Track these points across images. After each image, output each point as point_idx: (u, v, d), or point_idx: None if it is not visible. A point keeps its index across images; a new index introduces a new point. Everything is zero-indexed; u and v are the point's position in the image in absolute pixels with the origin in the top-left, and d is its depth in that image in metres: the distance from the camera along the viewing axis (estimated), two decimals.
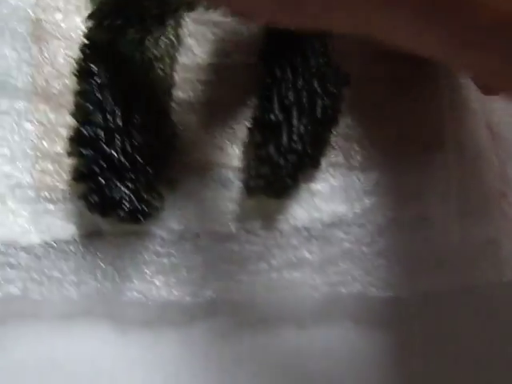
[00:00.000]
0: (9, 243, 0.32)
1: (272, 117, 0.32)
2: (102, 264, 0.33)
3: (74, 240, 0.33)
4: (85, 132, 0.31)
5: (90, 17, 0.31)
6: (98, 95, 0.32)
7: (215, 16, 0.35)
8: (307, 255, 0.33)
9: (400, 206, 0.34)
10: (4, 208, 0.33)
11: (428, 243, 0.34)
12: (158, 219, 0.33)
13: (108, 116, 0.32)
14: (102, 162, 0.31)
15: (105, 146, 0.31)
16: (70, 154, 0.32)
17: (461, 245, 0.34)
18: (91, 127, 0.31)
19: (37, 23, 0.34)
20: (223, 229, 0.33)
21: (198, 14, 0.35)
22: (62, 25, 0.34)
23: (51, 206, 0.33)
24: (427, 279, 0.34)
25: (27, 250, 0.32)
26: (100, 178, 0.31)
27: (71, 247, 0.33)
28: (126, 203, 0.31)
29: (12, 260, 0.32)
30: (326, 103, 0.32)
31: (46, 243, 0.33)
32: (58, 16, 0.34)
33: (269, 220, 0.33)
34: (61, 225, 0.33)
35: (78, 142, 0.32)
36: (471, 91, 0.35)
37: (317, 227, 0.33)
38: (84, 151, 0.31)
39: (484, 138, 0.35)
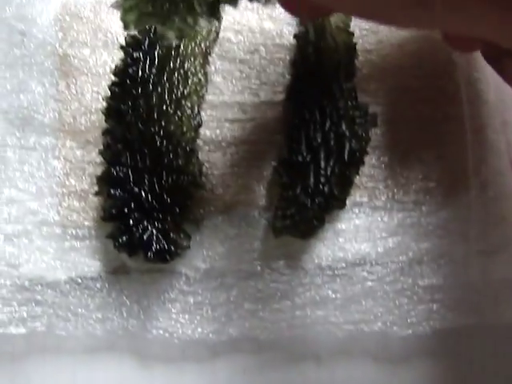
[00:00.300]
0: (35, 280, 0.32)
1: (299, 158, 0.33)
2: (127, 301, 0.33)
3: (100, 277, 0.33)
4: (114, 172, 0.31)
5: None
6: (127, 134, 0.32)
7: (242, 53, 0.35)
8: (331, 294, 0.34)
9: (422, 245, 0.34)
10: (30, 245, 0.33)
11: (449, 281, 0.34)
12: (183, 257, 0.33)
13: (137, 155, 0.32)
14: (130, 203, 0.31)
15: (133, 187, 0.31)
16: (98, 194, 0.32)
17: (481, 283, 0.35)
18: (120, 167, 0.31)
19: (64, 58, 0.34)
20: (248, 267, 0.33)
21: (225, 51, 0.35)
22: (90, 60, 0.34)
23: (77, 243, 0.33)
24: (447, 317, 0.34)
25: (53, 286, 0.33)
26: (129, 219, 0.31)
27: (97, 284, 0.33)
28: (154, 243, 0.31)
29: (38, 296, 0.32)
30: (354, 146, 0.33)
31: (72, 280, 0.33)
32: (86, 51, 0.34)
33: (293, 259, 0.34)
34: (87, 262, 0.33)
35: (106, 181, 0.32)
36: (495, 131, 0.36)
37: (340, 266, 0.34)
38: (113, 191, 0.31)
39: (508, 177, 0.36)
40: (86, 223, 0.33)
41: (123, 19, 0.26)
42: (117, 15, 0.34)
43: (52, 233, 0.33)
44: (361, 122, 0.33)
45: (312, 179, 0.32)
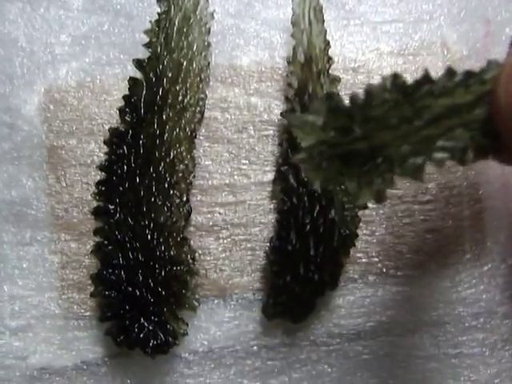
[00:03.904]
0: (43, 369, 0.34)
1: (289, 247, 0.33)
2: None
3: (104, 362, 0.34)
4: (106, 274, 0.32)
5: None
6: (117, 233, 0.32)
7: (229, 133, 0.35)
8: (326, 368, 0.35)
9: (415, 317, 0.35)
10: (35, 337, 0.34)
11: (443, 350, 0.35)
12: (182, 342, 0.34)
13: (128, 253, 0.32)
14: (125, 303, 0.32)
15: (127, 287, 0.32)
16: (93, 295, 0.33)
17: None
18: (113, 269, 0.32)
19: (52, 150, 0.34)
20: (245, 347, 0.34)
21: (212, 131, 0.35)
22: (77, 150, 0.34)
23: (80, 333, 0.34)
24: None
25: (60, 373, 0.34)
26: (124, 319, 0.32)
27: (102, 369, 0.34)
28: (151, 338, 0.32)
29: None
30: (343, 231, 0.32)
31: (78, 366, 0.34)
32: (72, 141, 0.34)
33: (289, 337, 0.34)
34: (90, 349, 0.34)
35: (100, 283, 0.32)
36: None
37: (335, 342, 0.34)
38: (107, 292, 0.32)
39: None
40: (87, 313, 0.34)
41: (308, 176, 0.23)
42: (100, 99, 0.34)
43: (55, 325, 0.34)
44: (350, 205, 0.33)
45: (302, 267, 0.33)
